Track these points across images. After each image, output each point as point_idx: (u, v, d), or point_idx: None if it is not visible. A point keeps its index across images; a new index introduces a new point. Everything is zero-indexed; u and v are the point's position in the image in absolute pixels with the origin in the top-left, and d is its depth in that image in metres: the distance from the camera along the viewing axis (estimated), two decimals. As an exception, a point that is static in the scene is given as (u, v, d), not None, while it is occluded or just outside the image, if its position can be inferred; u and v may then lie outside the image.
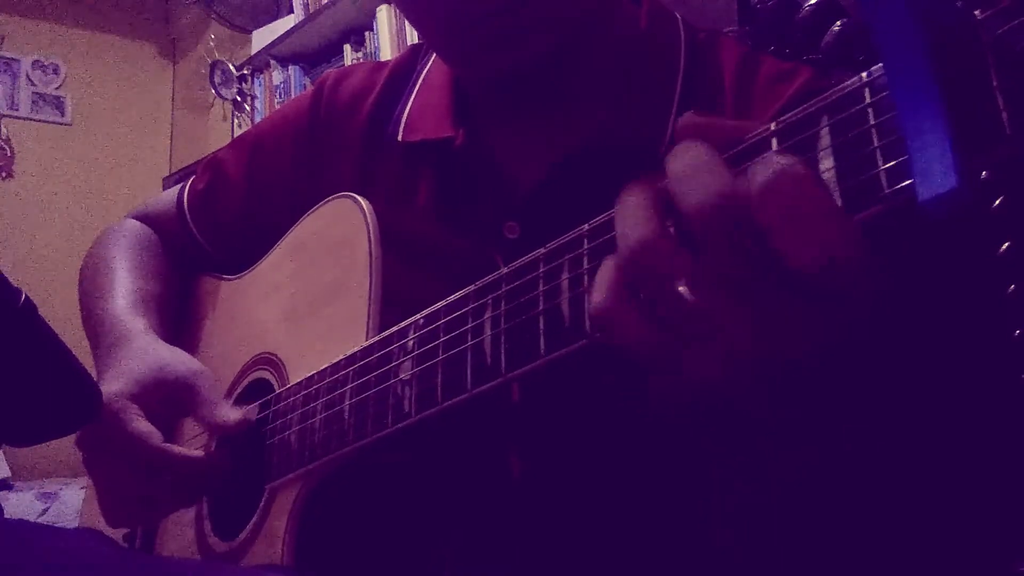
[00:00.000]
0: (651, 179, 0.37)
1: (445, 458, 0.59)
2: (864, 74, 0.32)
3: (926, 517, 0.54)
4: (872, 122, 0.32)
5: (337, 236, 0.66)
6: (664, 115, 0.62)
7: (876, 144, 0.32)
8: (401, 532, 0.60)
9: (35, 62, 3.71)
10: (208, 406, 0.66)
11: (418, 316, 0.53)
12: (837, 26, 0.77)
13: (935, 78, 0.29)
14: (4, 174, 3.58)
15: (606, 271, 0.37)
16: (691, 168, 0.34)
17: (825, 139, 0.34)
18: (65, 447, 0.67)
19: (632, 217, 0.35)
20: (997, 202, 0.60)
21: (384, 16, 2.60)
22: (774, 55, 0.81)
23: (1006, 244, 0.60)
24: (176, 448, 0.65)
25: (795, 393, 0.39)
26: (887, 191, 0.31)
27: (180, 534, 0.73)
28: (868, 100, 0.32)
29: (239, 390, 0.73)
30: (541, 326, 0.43)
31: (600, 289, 0.36)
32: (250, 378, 0.73)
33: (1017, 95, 0.28)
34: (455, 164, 0.67)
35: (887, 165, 0.31)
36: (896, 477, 0.50)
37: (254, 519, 0.64)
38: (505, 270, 0.47)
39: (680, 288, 0.34)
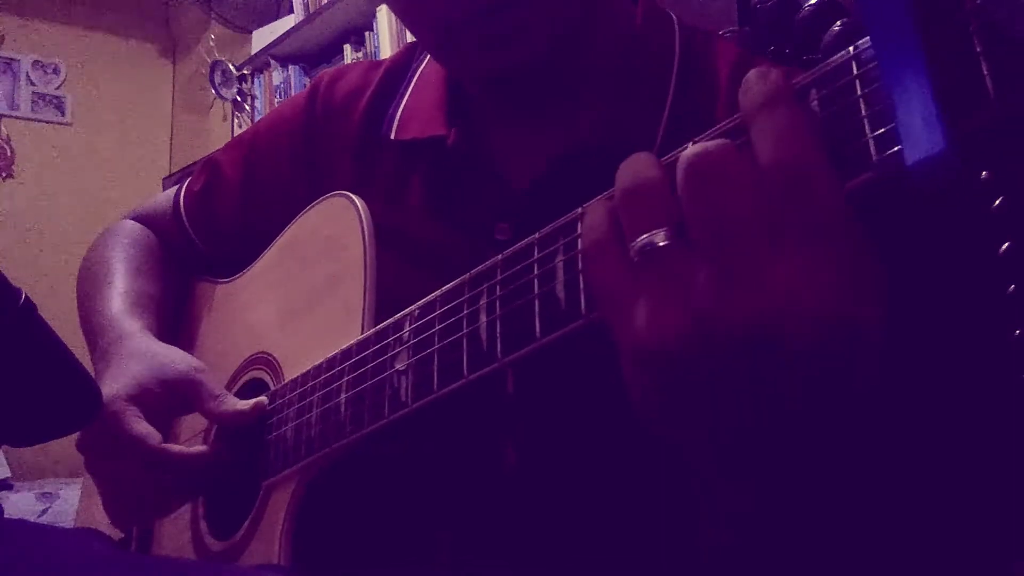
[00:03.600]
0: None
1: (440, 450, 0.59)
2: (851, 47, 0.33)
3: (925, 516, 0.54)
4: (860, 92, 0.33)
5: (331, 234, 0.66)
6: (657, 115, 0.62)
7: (864, 113, 0.33)
8: (397, 525, 0.60)
9: (35, 62, 3.71)
10: (214, 399, 0.66)
11: (413, 307, 0.53)
12: (837, 26, 0.77)
13: (920, 45, 0.30)
14: (4, 174, 3.58)
15: (597, 207, 0.39)
16: (761, 101, 0.35)
17: (815, 112, 0.35)
18: (65, 447, 0.67)
19: (634, 166, 0.38)
20: (997, 202, 0.60)
21: (384, 16, 2.60)
22: (774, 55, 0.81)
23: (1006, 244, 0.60)
24: (174, 447, 0.65)
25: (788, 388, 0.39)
26: (876, 158, 0.32)
27: (177, 534, 0.73)
28: (856, 72, 0.33)
29: (235, 391, 0.73)
30: (536, 309, 0.43)
31: (591, 228, 0.39)
32: (246, 378, 0.73)
33: (1000, 60, 0.29)
34: (447, 163, 0.67)
35: (876, 133, 0.32)
36: (895, 476, 0.50)
37: (250, 517, 0.64)
38: (500, 258, 0.47)
39: (658, 235, 0.36)
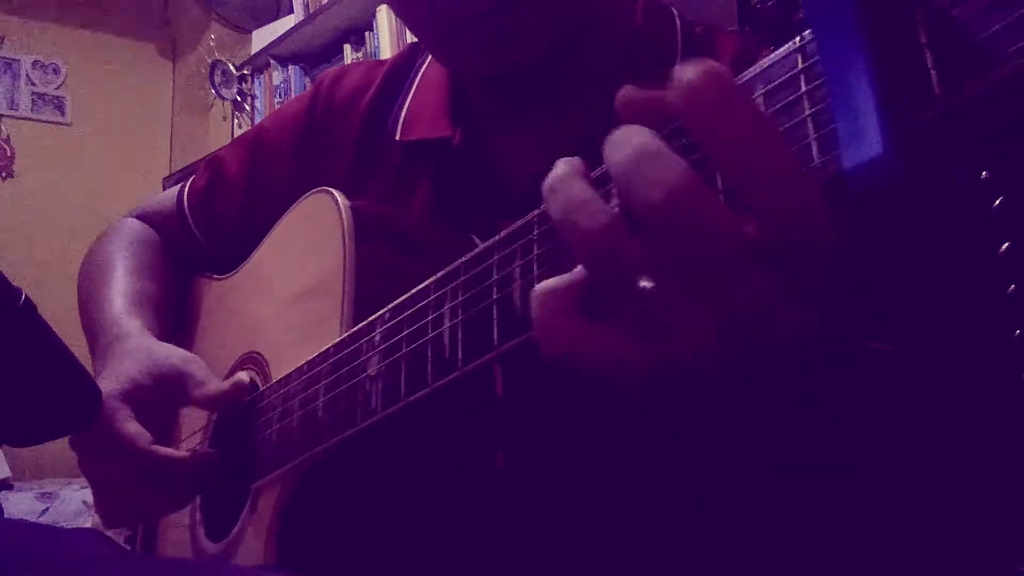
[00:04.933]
0: (576, 166, 0.34)
1: (429, 451, 0.59)
2: (797, 38, 0.31)
3: (925, 516, 0.54)
4: (804, 89, 0.30)
5: (315, 231, 0.65)
6: None
7: (808, 112, 0.30)
8: (385, 527, 0.60)
9: (35, 62, 3.71)
10: (202, 385, 0.67)
11: (385, 310, 0.52)
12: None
13: (861, 33, 0.27)
14: (4, 174, 3.58)
15: (543, 292, 0.34)
16: (640, 162, 0.30)
17: (760, 107, 0.32)
18: (65, 447, 0.67)
19: (582, 210, 0.32)
20: (997, 202, 0.60)
21: (384, 16, 2.59)
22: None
23: (1006, 244, 0.60)
24: (163, 449, 0.65)
25: (789, 392, 0.39)
26: (817, 160, 0.29)
27: (177, 535, 0.73)
28: (800, 66, 0.30)
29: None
30: (494, 316, 0.41)
31: (541, 313, 0.33)
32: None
33: (947, 52, 0.26)
34: (453, 164, 0.67)
35: (818, 134, 0.29)
36: (895, 477, 0.50)
37: (241, 519, 0.64)
38: (463, 258, 0.45)
39: (641, 283, 0.32)
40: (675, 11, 0.68)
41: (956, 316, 0.59)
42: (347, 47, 2.76)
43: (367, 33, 2.70)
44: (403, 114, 0.72)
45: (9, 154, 3.60)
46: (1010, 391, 0.59)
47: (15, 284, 0.46)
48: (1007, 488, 0.56)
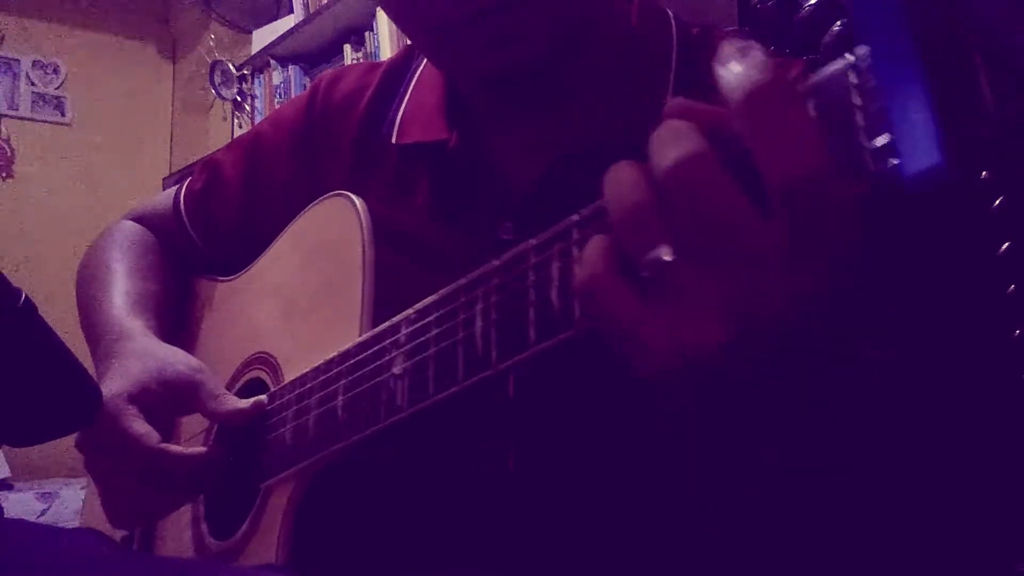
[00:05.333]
0: (634, 161, 0.38)
1: (440, 452, 0.59)
2: (848, 55, 0.33)
3: (926, 516, 0.54)
4: (857, 103, 0.32)
5: (331, 235, 0.66)
6: (657, 113, 0.62)
7: (861, 124, 0.32)
8: (396, 527, 0.60)
9: (35, 62, 3.71)
10: (214, 399, 0.66)
11: (410, 311, 0.53)
12: (837, 26, 0.77)
13: (918, 57, 0.30)
14: (4, 174, 3.58)
15: (594, 243, 0.38)
16: (666, 135, 0.35)
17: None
18: (65, 447, 0.67)
19: (623, 189, 0.37)
20: (997, 202, 0.60)
21: (384, 16, 2.59)
22: (774, 55, 0.81)
23: (1006, 244, 0.60)
24: (173, 447, 0.65)
25: (793, 391, 0.39)
26: (873, 169, 0.32)
27: (178, 535, 0.73)
28: (852, 81, 0.33)
29: (235, 390, 0.73)
30: (531, 316, 0.43)
31: (588, 261, 0.37)
32: (245, 378, 0.73)
33: (998, 72, 0.29)
34: (450, 166, 0.67)
35: (872, 144, 0.32)
36: (895, 477, 0.50)
37: (249, 518, 0.64)
38: (496, 263, 0.47)
39: (663, 251, 0.35)
40: (670, 12, 0.68)
41: (956, 316, 0.59)
42: (347, 47, 2.76)
43: (367, 33, 2.70)
44: (399, 117, 0.72)
45: (9, 154, 3.60)
46: (1010, 391, 0.59)
47: (15, 284, 0.46)
48: (1007, 488, 0.56)
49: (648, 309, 0.36)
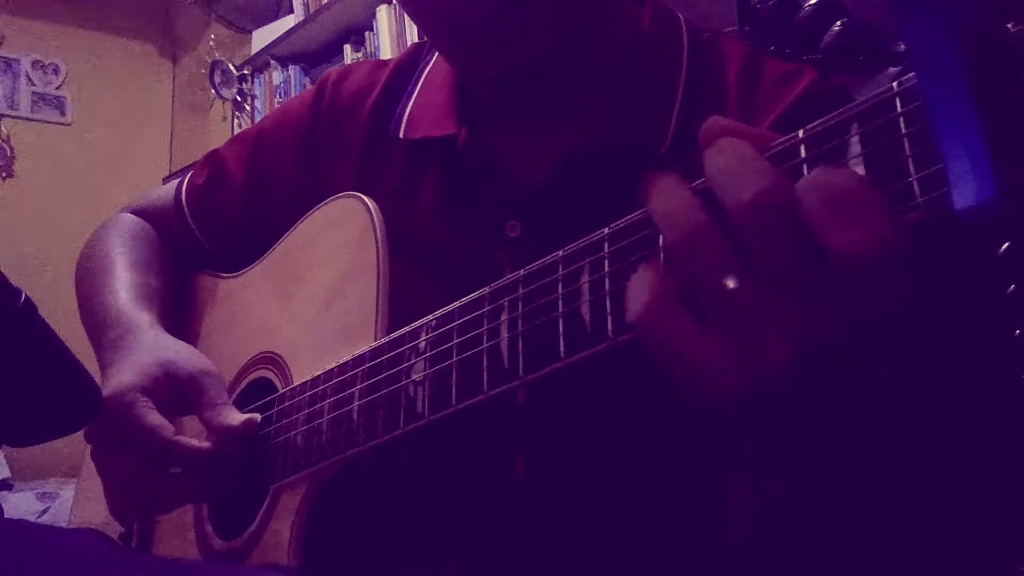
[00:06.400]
0: (676, 177, 0.37)
1: (450, 460, 0.59)
2: (895, 84, 0.33)
3: (926, 517, 0.54)
4: (904, 131, 0.32)
5: (343, 235, 0.65)
6: (666, 115, 0.62)
7: (909, 153, 0.32)
8: (406, 531, 0.60)
9: (35, 62, 3.71)
10: (213, 408, 0.66)
11: (430, 318, 0.53)
12: (837, 26, 0.77)
13: (970, 89, 0.29)
14: (4, 174, 3.58)
15: (646, 273, 0.36)
16: (737, 164, 0.34)
17: (855, 147, 0.34)
18: (65, 447, 0.67)
19: (678, 213, 0.35)
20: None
21: (384, 16, 2.59)
22: (774, 55, 0.81)
23: (1006, 244, 0.60)
24: (189, 441, 0.64)
25: (810, 396, 0.39)
26: (921, 199, 0.31)
27: (180, 535, 0.73)
28: (900, 109, 0.32)
29: (240, 389, 0.73)
30: (561, 329, 0.43)
31: (643, 294, 0.36)
32: (251, 377, 0.72)
33: None
34: (458, 162, 0.67)
35: (920, 174, 0.31)
36: (896, 477, 0.50)
37: (257, 520, 0.64)
38: (522, 273, 0.47)
39: (727, 282, 0.34)
40: (681, 16, 0.69)
41: (956, 316, 0.59)
42: (347, 47, 2.76)
43: (367, 33, 2.70)
44: (407, 112, 0.72)
45: (9, 154, 3.60)
46: (1010, 391, 0.59)
47: (15, 284, 0.46)
48: (1008, 488, 0.56)
49: (710, 335, 0.35)
